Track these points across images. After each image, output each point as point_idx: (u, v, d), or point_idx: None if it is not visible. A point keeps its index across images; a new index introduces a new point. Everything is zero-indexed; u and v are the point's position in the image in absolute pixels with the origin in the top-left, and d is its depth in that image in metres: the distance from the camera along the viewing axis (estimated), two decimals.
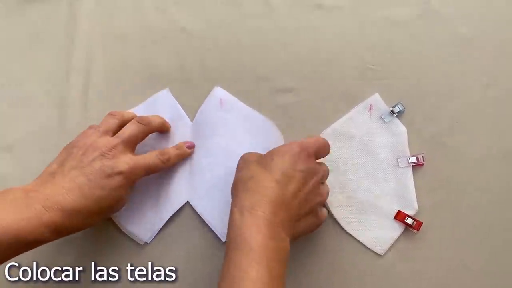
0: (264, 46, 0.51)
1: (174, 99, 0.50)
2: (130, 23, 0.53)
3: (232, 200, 0.39)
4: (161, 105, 0.49)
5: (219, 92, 0.49)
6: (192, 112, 0.49)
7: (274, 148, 0.40)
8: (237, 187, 0.39)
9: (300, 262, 0.46)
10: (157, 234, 0.46)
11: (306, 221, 0.40)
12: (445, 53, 0.50)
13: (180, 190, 0.47)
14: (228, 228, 0.36)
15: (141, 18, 0.53)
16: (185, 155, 0.47)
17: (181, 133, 0.48)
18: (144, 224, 0.46)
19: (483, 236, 0.46)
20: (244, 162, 0.41)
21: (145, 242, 0.46)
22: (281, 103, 0.50)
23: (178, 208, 0.46)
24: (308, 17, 0.52)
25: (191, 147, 0.47)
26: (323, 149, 0.41)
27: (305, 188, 0.39)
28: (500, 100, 0.49)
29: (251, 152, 0.42)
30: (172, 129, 0.48)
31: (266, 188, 0.37)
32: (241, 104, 0.49)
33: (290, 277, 0.46)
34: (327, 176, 0.43)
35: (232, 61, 0.51)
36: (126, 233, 0.46)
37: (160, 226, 0.46)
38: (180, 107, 0.49)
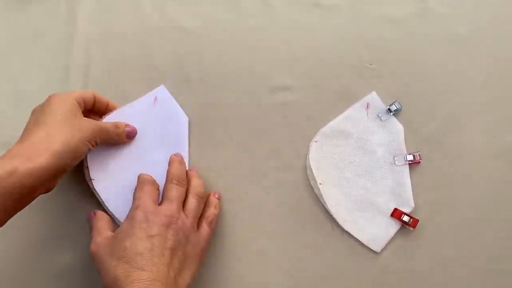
0: (261, 44, 0.51)
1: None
2: (129, 21, 0.53)
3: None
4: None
5: (159, 90, 0.50)
6: (189, 110, 0.50)
7: (120, 231, 0.40)
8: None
9: (295, 259, 0.47)
10: None
11: (187, 263, 0.41)
12: (442, 52, 0.50)
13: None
14: None
15: (139, 16, 0.53)
16: (122, 142, 0.47)
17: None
18: None
19: (480, 234, 0.46)
20: (101, 262, 0.39)
21: None
22: (278, 101, 0.50)
23: None
24: (305, 15, 0.52)
25: (129, 136, 0.47)
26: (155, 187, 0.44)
27: (169, 245, 0.39)
28: (496, 98, 0.49)
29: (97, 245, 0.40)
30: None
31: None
32: (173, 107, 0.50)
33: (286, 274, 0.46)
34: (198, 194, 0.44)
35: (229, 59, 0.51)
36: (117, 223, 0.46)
37: None
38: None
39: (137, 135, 0.48)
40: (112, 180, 0.46)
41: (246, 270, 0.46)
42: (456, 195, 0.47)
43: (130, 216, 0.40)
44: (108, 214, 0.45)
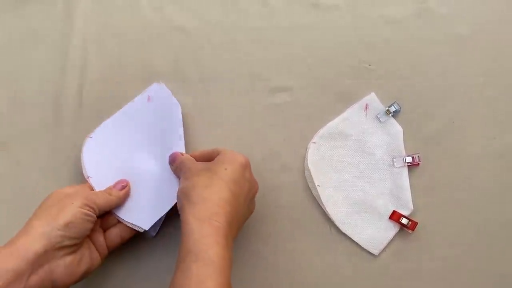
0: (260, 45, 0.51)
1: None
2: (126, 21, 0.53)
3: (184, 208, 0.37)
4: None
5: (152, 88, 0.49)
6: (187, 110, 0.49)
7: (223, 156, 0.40)
8: (191, 196, 0.37)
9: (294, 261, 0.46)
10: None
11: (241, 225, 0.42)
12: (441, 53, 0.50)
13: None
14: (184, 237, 0.35)
15: (137, 16, 0.53)
16: (119, 198, 0.44)
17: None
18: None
19: (478, 236, 0.46)
20: (190, 170, 0.40)
21: (147, 231, 0.44)
22: (277, 102, 0.50)
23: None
24: (304, 16, 0.51)
25: (121, 188, 0.44)
26: None
27: (248, 196, 0.41)
28: (496, 99, 0.49)
29: (190, 159, 0.42)
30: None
31: (223, 199, 0.37)
32: (167, 100, 0.48)
33: (284, 276, 0.46)
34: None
35: (227, 60, 0.51)
36: (127, 224, 0.44)
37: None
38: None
39: (134, 134, 0.48)
40: (109, 178, 0.46)
41: (243, 272, 0.46)
42: (455, 197, 0.47)
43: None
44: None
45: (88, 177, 0.45)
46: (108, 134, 0.48)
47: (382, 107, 0.49)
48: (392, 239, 0.46)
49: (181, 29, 0.52)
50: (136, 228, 0.44)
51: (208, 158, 0.42)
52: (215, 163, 0.40)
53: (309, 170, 0.47)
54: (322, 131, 0.49)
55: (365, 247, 0.46)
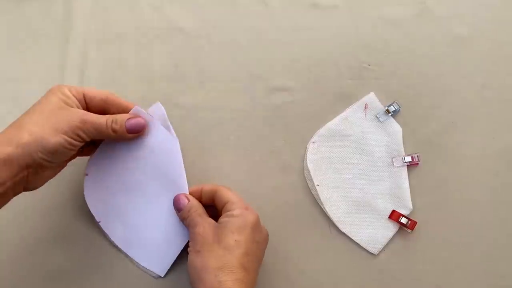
0: (259, 45, 0.51)
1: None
2: (126, 21, 0.52)
3: (198, 286, 0.37)
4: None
5: (156, 108, 0.45)
6: (186, 111, 0.49)
7: (232, 221, 0.39)
8: (205, 280, 0.37)
9: (293, 261, 0.46)
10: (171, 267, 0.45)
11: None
12: (440, 53, 0.50)
13: None
14: None
15: (136, 16, 0.53)
16: (123, 139, 0.42)
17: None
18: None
19: (478, 236, 0.46)
20: (200, 239, 0.39)
21: (160, 276, 0.45)
22: (276, 102, 0.50)
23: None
24: (303, 16, 0.51)
25: (133, 130, 0.42)
26: None
27: (260, 254, 0.41)
28: (495, 100, 0.49)
29: (197, 211, 0.41)
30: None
31: (237, 280, 0.37)
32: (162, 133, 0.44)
33: (283, 276, 0.46)
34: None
35: (227, 60, 0.51)
36: (141, 268, 0.45)
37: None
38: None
39: (131, 169, 0.44)
40: (118, 221, 0.45)
41: None
42: (454, 197, 0.47)
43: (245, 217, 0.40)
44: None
45: (99, 222, 0.46)
46: (103, 170, 0.45)
47: (381, 107, 0.49)
48: (391, 238, 0.46)
49: (181, 29, 0.52)
50: (150, 274, 0.45)
51: (212, 196, 0.42)
52: (225, 233, 0.39)
53: (308, 170, 0.47)
54: (321, 131, 0.49)
55: (364, 247, 0.46)
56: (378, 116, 0.49)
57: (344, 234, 0.46)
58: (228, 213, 0.40)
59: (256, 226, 0.40)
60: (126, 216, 0.45)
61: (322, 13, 0.52)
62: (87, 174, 0.45)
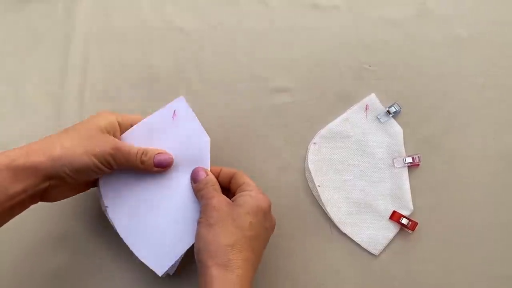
0: (260, 46, 0.51)
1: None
2: (127, 22, 0.53)
3: (207, 263, 0.37)
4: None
5: (177, 103, 0.44)
6: None
7: (248, 201, 0.39)
8: (214, 253, 0.37)
9: (294, 261, 0.46)
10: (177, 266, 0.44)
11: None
12: (441, 54, 0.50)
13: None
14: (203, 284, 0.37)
15: (138, 17, 0.53)
16: (149, 171, 0.43)
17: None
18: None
19: (478, 237, 0.46)
20: (214, 212, 0.39)
21: (165, 274, 0.43)
22: (277, 103, 0.50)
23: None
24: (304, 17, 0.52)
25: (160, 165, 0.42)
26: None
27: (266, 240, 0.42)
28: (496, 100, 0.49)
29: (214, 186, 0.41)
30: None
31: (245, 260, 0.38)
32: (194, 124, 0.44)
33: (285, 276, 0.46)
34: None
35: (228, 61, 0.51)
36: (146, 264, 0.43)
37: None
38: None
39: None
40: (126, 209, 0.43)
41: None
42: (455, 197, 0.47)
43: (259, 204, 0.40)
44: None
45: (106, 208, 0.43)
46: None
47: (382, 108, 0.49)
48: (392, 239, 0.46)
49: (182, 30, 0.52)
50: (156, 272, 0.43)
51: (229, 179, 0.43)
52: (240, 212, 0.39)
53: (309, 171, 0.47)
54: (322, 132, 0.49)
55: (365, 247, 0.46)
56: (379, 117, 0.49)
57: (345, 234, 0.47)
58: (245, 192, 0.40)
59: (269, 212, 0.41)
60: (135, 206, 0.43)
61: (323, 13, 0.52)
62: None
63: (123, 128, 0.43)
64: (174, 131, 0.44)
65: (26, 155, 0.37)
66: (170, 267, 0.43)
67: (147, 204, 0.43)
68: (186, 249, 0.42)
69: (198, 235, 0.39)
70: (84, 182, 0.42)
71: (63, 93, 0.51)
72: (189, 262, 0.44)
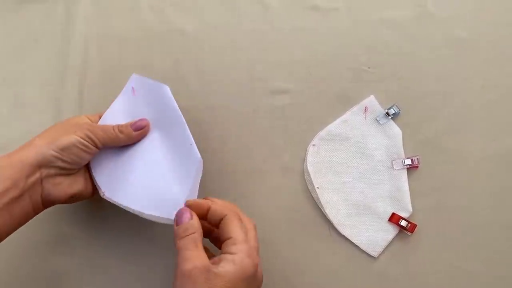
0: (260, 47, 0.51)
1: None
2: (126, 24, 0.53)
3: None
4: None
5: (133, 81, 0.47)
6: (186, 113, 0.49)
7: (226, 272, 0.34)
8: None
9: (293, 263, 0.46)
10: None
11: None
12: (440, 55, 0.50)
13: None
14: None
15: (137, 19, 0.53)
16: (130, 138, 0.44)
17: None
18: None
19: (478, 239, 0.46)
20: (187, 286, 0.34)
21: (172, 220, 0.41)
22: (276, 105, 0.50)
23: (196, 169, 0.41)
24: (303, 18, 0.52)
25: (138, 128, 0.44)
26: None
27: None
28: (495, 102, 0.49)
29: (192, 270, 0.34)
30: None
31: None
32: (151, 86, 0.46)
33: (283, 278, 0.46)
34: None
35: (227, 62, 0.51)
36: (158, 220, 0.42)
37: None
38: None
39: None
40: (122, 185, 0.43)
41: None
42: (454, 199, 0.47)
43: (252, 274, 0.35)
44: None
45: (104, 193, 0.43)
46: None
47: (381, 110, 0.49)
48: (391, 241, 0.46)
49: (181, 32, 0.52)
50: (166, 222, 0.41)
51: (219, 221, 0.38)
52: (217, 282, 0.34)
53: (308, 173, 0.47)
54: (321, 134, 0.49)
55: (364, 249, 0.46)
56: (378, 118, 0.49)
57: (344, 236, 0.47)
58: (228, 256, 0.35)
59: (253, 277, 0.36)
60: (129, 178, 0.43)
61: (322, 15, 0.52)
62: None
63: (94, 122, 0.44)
64: (139, 103, 0.46)
65: (8, 155, 0.38)
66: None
67: (139, 171, 0.44)
68: (192, 184, 0.41)
69: None
70: (82, 174, 0.42)
71: (63, 94, 0.51)
72: None
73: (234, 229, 0.37)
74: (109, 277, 0.46)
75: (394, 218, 0.46)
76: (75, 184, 0.42)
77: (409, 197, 0.47)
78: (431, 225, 0.46)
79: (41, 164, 0.38)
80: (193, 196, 0.41)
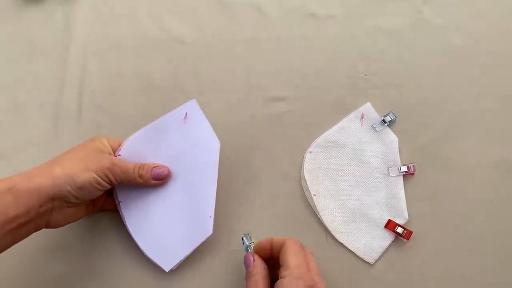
0: (257, 55, 0.52)
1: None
2: (125, 32, 0.53)
3: None
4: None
5: (189, 106, 0.46)
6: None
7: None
8: None
9: None
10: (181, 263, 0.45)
11: None
12: (437, 63, 0.50)
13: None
14: None
15: (135, 27, 0.53)
16: (148, 184, 0.44)
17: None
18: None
19: (473, 246, 0.46)
20: None
21: (170, 270, 0.45)
22: (274, 112, 0.50)
23: (204, 239, 0.44)
24: (301, 26, 0.52)
25: (157, 178, 0.44)
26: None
27: None
28: (491, 110, 0.49)
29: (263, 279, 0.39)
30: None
31: None
32: (205, 128, 0.46)
33: None
34: None
35: (225, 70, 0.51)
36: (151, 260, 0.45)
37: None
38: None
39: (165, 157, 0.45)
40: (138, 206, 0.45)
41: (239, 280, 0.46)
42: (450, 206, 0.47)
43: None
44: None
45: (119, 202, 0.45)
46: (136, 151, 0.45)
47: (377, 117, 0.49)
48: (387, 248, 0.46)
49: (179, 40, 0.52)
50: (161, 267, 0.44)
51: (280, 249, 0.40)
52: None
53: (305, 179, 0.48)
54: (318, 141, 0.49)
55: (360, 256, 0.46)
56: (374, 126, 0.49)
57: (340, 243, 0.47)
58: (278, 282, 0.37)
59: None
60: (146, 204, 0.45)
61: (319, 23, 0.52)
62: (119, 155, 0.44)
63: (114, 150, 0.44)
64: (185, 132, 0.45)
65: (28, 179, 0.38)
66: (176, 264, 0.44)
67: (157, 203, 0.45)
68: (193, 249, 0.44)
69: None
70: (86, 204, 0.43)
71: (61, 102, 0.51)
72: (191, 260, 0.45)
73: (288, 256, 0.39)
74: (109, 282, 0.46)
75: (390, 225, 0.46)
76: (79, 213, 0.43)
77: (405, 204, 0.47)
78: (427, 232, 0.47)
79: (55, 197, 0.39)
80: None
